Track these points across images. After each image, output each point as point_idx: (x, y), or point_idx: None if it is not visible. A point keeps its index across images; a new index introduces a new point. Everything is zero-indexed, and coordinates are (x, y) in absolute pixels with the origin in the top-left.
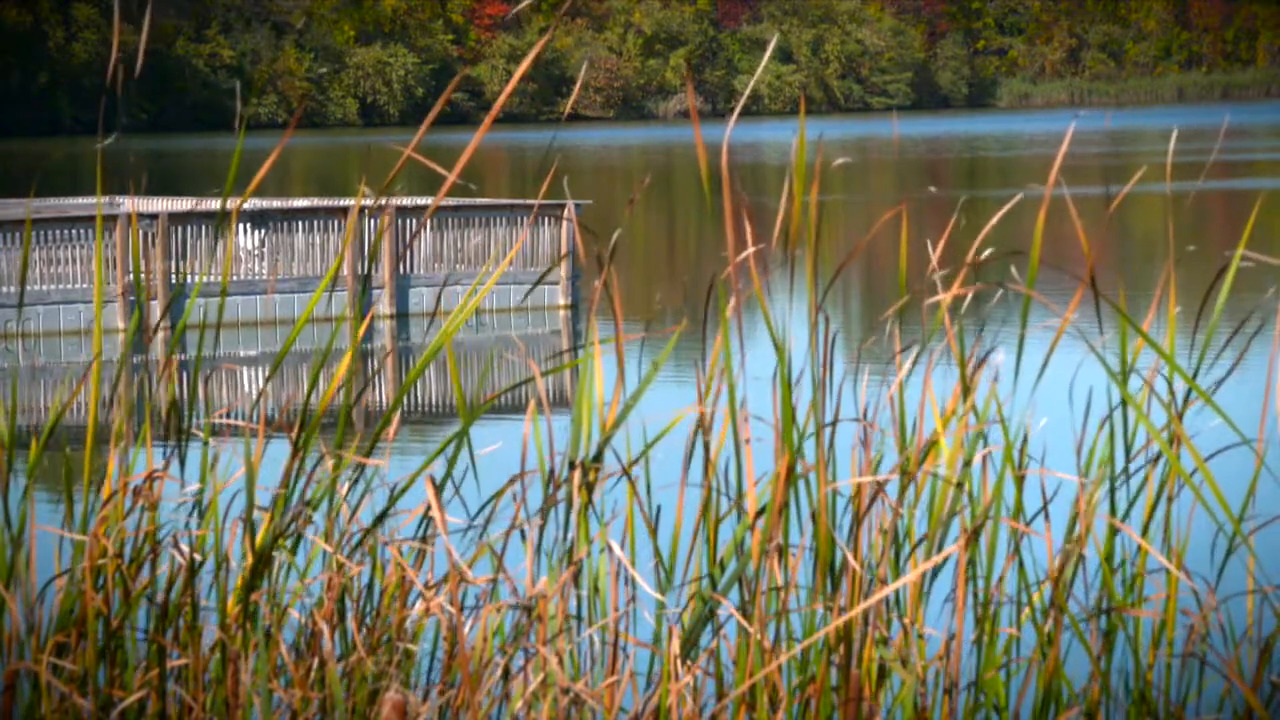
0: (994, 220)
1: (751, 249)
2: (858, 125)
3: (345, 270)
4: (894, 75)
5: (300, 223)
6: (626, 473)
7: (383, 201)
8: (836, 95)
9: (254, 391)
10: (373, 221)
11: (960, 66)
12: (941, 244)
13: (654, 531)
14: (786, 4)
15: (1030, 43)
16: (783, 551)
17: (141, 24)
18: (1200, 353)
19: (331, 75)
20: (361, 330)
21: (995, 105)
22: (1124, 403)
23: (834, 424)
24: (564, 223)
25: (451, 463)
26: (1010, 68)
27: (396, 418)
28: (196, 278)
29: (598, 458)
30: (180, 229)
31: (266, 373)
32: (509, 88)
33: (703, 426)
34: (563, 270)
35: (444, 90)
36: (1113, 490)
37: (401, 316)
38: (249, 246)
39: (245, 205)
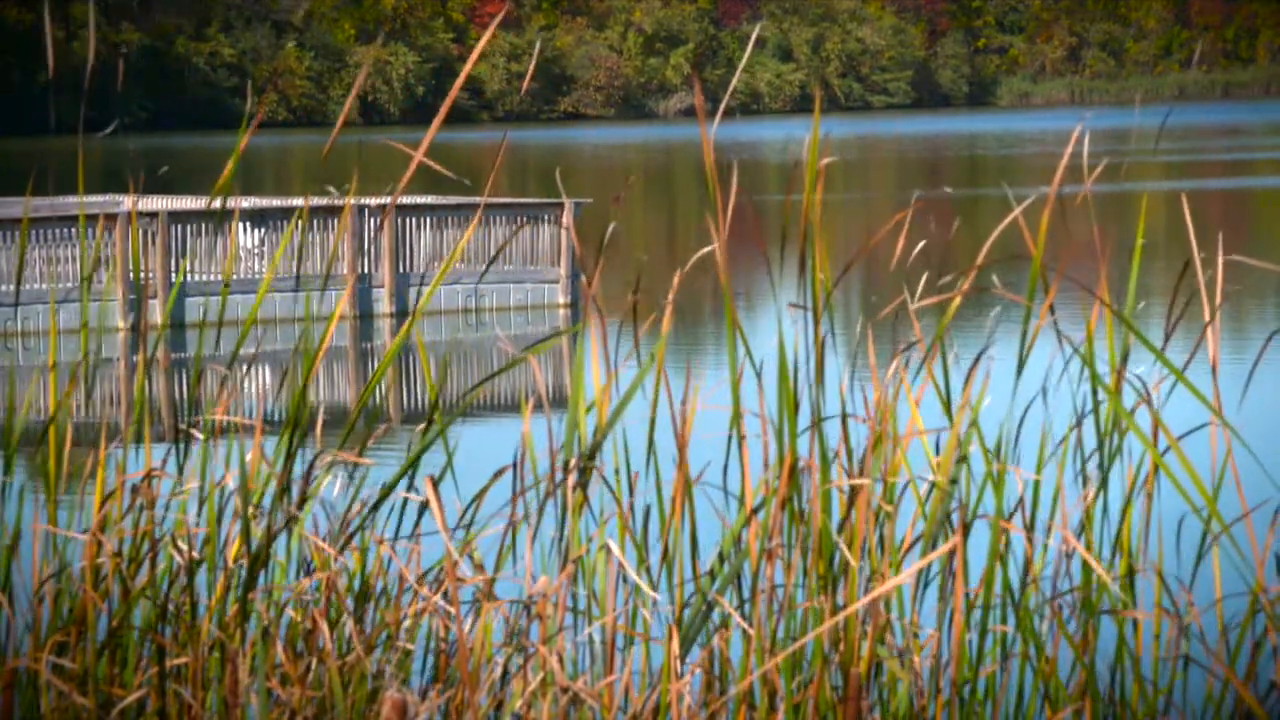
0: (1003, 225)
1: (705, 249)
2: (859, 124)
3: (344, 269)
4: (894, 74)
5: (300, 221)
6: (610, 480)
7: (383, 200)
8: (837, 94)
9: (252, 390)
10: (373, 221)
11: (961, 65)
12: (896, 245)
13: (633, 534)
14: (787, 2)
15: (1031, 41)
16: (777, 551)
17: (143, 22)
18: (1166, 340)
19: (331, 73)
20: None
21: (996, 104)
22: (1099, 393)
23: (819, 422)
24: (562, 221)
25: (423, 453)
26: (1011, 66)
27: (390, 416)
28: (197, 276)
29: (592, 456)
30: (180, 227)
31: (265, 372)
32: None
33: (677, 429)
34: (562, 269)
35: (444, 88)
36: (1101, 485)
37: (401, 315)
38: (249, 245)
39: (244, 204)
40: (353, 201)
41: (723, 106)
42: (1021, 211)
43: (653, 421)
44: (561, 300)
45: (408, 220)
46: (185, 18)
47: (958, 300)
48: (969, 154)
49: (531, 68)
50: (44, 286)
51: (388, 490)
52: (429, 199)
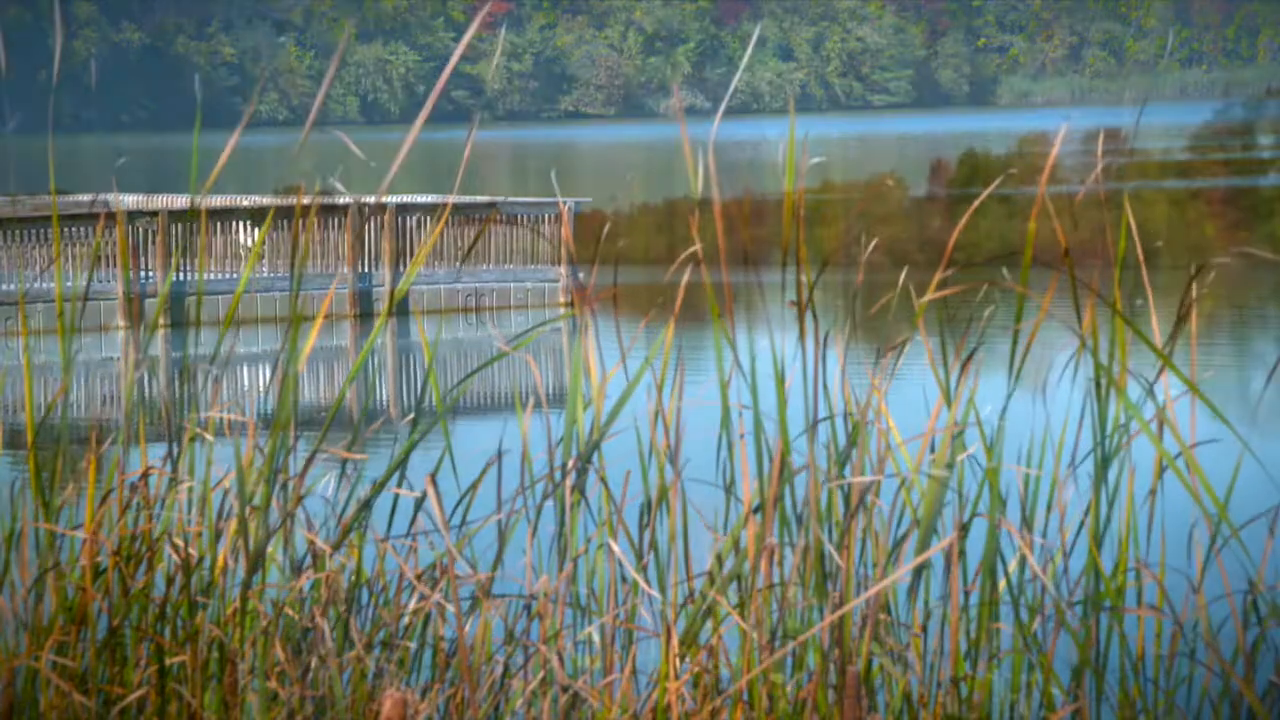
0: (962, 221)
1: (687, 251)
2: (858, 123)
3: (346, 268)
4: (895, 73)
5: (300, 220)
6: (602, 478)
7: (383, 200)
8: (837, 93)
9: (252, 389)
10: (374, 220)
11: (961, 64)
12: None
13: (628, 534)
14: (787, 1)
15: (1031, 40)
16: (777, 551)
17: (142, 21)
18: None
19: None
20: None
21: (996, 103)
22: (1107, 389)
23: (817, 422)
24: (562, 219)
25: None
26: (1011, 65)
27: (378, 414)
28: (197, 274)
29: (589, 456)
30: (180, 227)
31: (266, 371)
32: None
33: (657, 429)
34: (562, 268)
35: (445, 87)
36: (1097, 483)
37: (401, 314)
38: (248, 244)
39: (246, 202)
40: (328, 201)
41: (722, 109)
42: (1016, 212)
43: (655, 428)
44: (562, 299)
45: (408, 219)
46: (186, 17)
47: (929, 297)
48: (968, 153)
49: (456, 56)
50: (45, 285)
51: (379, 486)
52: (429, 198)
